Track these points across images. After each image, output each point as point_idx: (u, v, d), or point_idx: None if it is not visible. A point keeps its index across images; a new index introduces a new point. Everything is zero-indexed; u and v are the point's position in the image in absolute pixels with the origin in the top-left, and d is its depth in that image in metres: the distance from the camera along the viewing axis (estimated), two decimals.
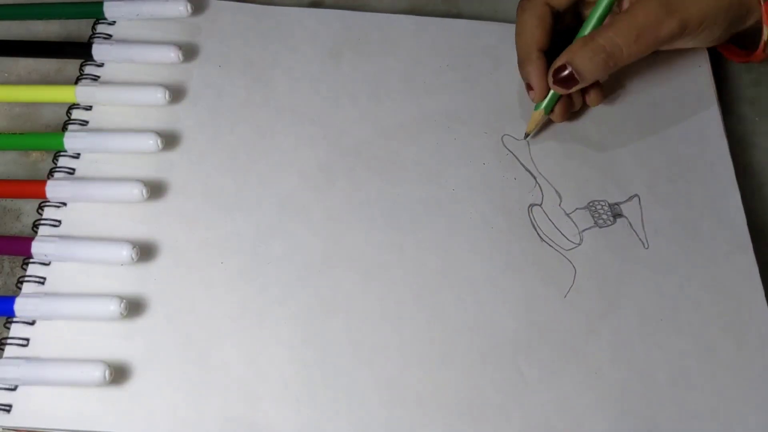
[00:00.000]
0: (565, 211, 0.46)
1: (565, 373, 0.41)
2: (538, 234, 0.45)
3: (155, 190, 0.43)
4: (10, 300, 0.39)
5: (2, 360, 0.38)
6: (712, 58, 0.52)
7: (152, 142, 0.44)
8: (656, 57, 0.49)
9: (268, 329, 0.40)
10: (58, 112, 0.46)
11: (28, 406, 0.37)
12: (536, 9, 0.46)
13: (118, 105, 0.46)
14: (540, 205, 0.46)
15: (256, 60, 0.49)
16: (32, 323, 0.39)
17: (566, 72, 0.44)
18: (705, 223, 0.46)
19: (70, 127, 0.45)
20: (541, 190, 0.46)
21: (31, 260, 0.41)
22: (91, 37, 0.49)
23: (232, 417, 0.38)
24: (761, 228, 0.47)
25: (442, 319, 0.41)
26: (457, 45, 0.51)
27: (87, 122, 0.45)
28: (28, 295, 0.40)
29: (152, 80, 0.47)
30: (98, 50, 0.47)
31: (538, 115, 0.47)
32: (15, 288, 0.41)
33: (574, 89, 0.46)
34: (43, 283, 0.40)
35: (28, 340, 0.39)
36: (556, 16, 0.46)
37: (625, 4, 0.46)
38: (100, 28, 0.49)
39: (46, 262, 0.41)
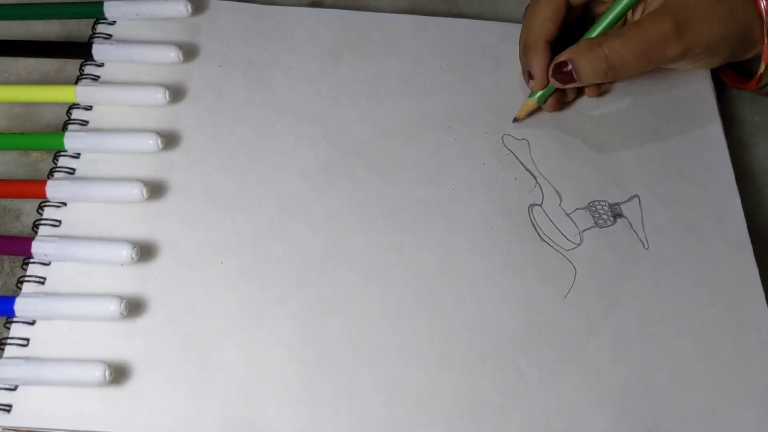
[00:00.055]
0: (565, 211, 0.46)
1: (565, 373, 0.41)
2: (538, 234, 0.45)
3: (155, 190, 0.43)
4: (10, 300, 0.39)
5: (2, 360, 0.38)
6: None
7: (152, 142, 0.44)
8: None
9: (268, 329, 0.40)
10: (58, 112, 0.46)
11: (28, 406, 0.37)
12: (552, 1, 0.46)
13: (118, 105, 0.46)
14: (540, 205, 0.46)
15: (256, 60, 0.49)
16: (32, 323, 0.39)
17: (566, 69, 0.45)
18: (705, 223, 0.46)
19: (70, 127, 0.45)
20: (542, 190, 0.46)
21: (31, 260, 0.41)
22: (91, 37, 0.49)
23: (232, 417, 0.38)
24: (761, 228, 0.47)
25: (442, 319, 0.41)
26: (457, 45, 0.51)
27: (87, 122, 0.45)
28: (28, 295, 0.40)
29: (152, 80, 0.47)
30: (98, 50, 0.47)
31: (531, 103, 0.47)
32: (15, 288, 0.41)
33: (570, 86, 0.46)
34: (43, 283, 0.40)
35: (28, 340, 0.39)
36: (569, 9, 0.46)
37: (637, 14, 0.46)
38: (100, 28, 0.49)
39: (46, 262, 0.41)
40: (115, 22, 0.49)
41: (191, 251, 0.42)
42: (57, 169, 0.44)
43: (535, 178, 0.47)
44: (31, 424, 0.37)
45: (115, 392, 0.38)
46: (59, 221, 0.42)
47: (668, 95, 0.50)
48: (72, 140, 0.44)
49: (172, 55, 0.47)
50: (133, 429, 0.37)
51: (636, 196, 0.47)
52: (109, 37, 0.49)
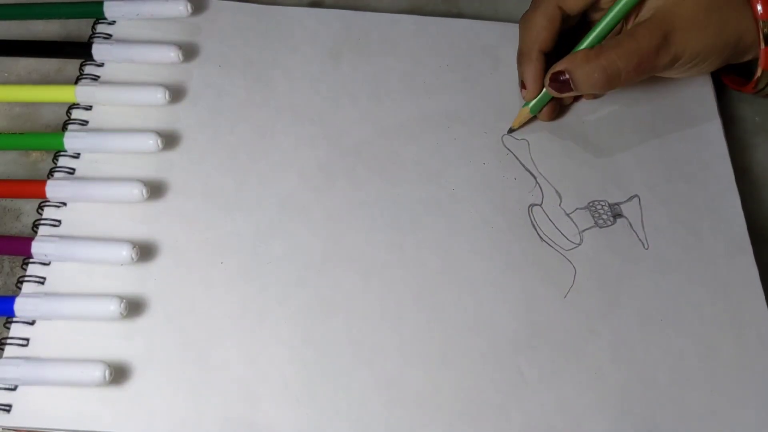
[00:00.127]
0: (565, 211, 0.46)
1: (565, 373, 0.41)
2: (538, 234, 0.45)
3: (155, 190, 0.43)
4: (10, 300, 0.39)
5: (2, 360, 0.38)
6: None
7: (152, 142, 0.44)
8: None
9: (268, 329, 0.40)
10: (58, 112, 0.46)
11: (28, 406, 0.37)
12: (548, 10, 0.46)
13: (118, 105, 0.46)
14: (540, 205, 0.46)
15: (256, 60, 0.49)
16: (32, 323, 0.39)
17: (563, 78, 0.45)
18: (705, 223, 0.46)
19: (70, 127, 0.45)
20: (541, 190, 0.46)
21: (31, 260, 0.41)
22: (91, 37, 0.49)
23: (232, 417, 0.38)
24: (761, 228, 0.47)
25: (442, 319, 0.41)
26: (457, 45, 0.51)
27: (87, 122, 0.45)
28: (28, 295, 0.40)
29: (152, 80, 0.47)
30: (98, 50, 0.47)
31: (525, 112, 0.47)
32: (15, 288, 0.41)
33: (567, 95, 0.46)
34: (43, 283, 0.40)
35: (28, 340, 0.39)
36: (565, 18, 0.46)
37: (630, 23, 0.46)
38: (100, 28, 0.49)
39: (46, 262, 0.41)
40: (115, 22, 0.49)
41: (191, 251, 0.42)
42: (57, 169, 0.44)
43: (535, 178, 0.47)
44: (31, 424, 0.37)
45: (115, 392, 0.38)
46: (59, 221, 0.42)
47: (668, 95, 0.50)
48: (72, 140, 0.44)
49: (172, 55, 0.47)
50: (133, 429, 0.37)
51: (636, 196, 0.47)
52: (109, 37, 0.49)
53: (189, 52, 0.48)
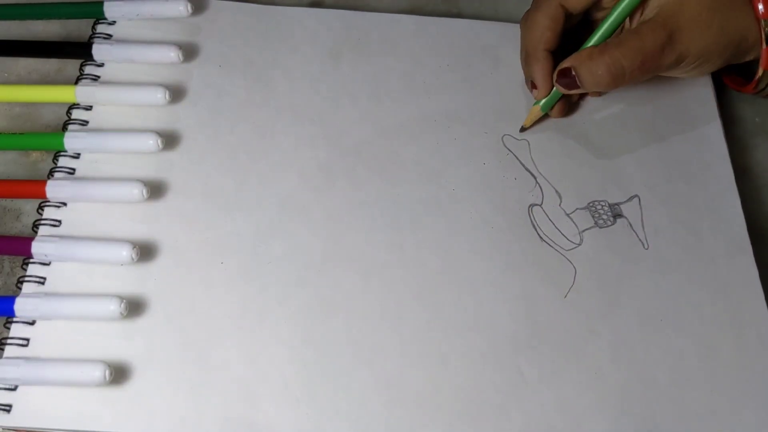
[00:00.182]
0: (565, 211, 0.46)
1: (565, 373, 0.41)
2: (538, 234, 0.45)
3: (155, 190, 0.43)
4: (10, 300, 0.39)
5: (2, 360, 0.38)
6: None
7: (152, 142, 0.44)
8: None
9: (268, 329, 0.40)
10: (58, 112, 0.46)
11: (28, 406, 0.37)
12: (550, 9, 0.46)
13: (118, 105, 0.46)
14: (540, 205, 0.46)
15: (256, 60, 0.49)
16: (32, 323, 0.39)
17: (570, 76, 0.45)
18: (705, 223, 0.46)
19: (70, 127, 0.45)
20: (541, 190, 0.46)
21: (31, 260, 0.41)
22: (91, 37, 0.49)
23: (232, 417, 0.38)
24: (761, 228, 0.47)
25: (442, 319, 0.41)
26: (457, 45, 0.51)
27: (87, 122, 0.45)
28: (28, 295, 0.40)
29: (152, 80, 0.47)
30: (98, 50, 0.47)
31: (537, 111, 0.47)
32: (15, 288, 0.41)
33: (575, 92, 0.46)
34: (43, 283, 0.40)
35: (28, 340, 0.39)
36: (567, 17, 0.46)
37: (635, 21, 0.46)
38: (100, 28, 0.49)
39: (46, 262, 0.41)
40: (115, 22, 0.49)
41: (191, 251, 0.42)
42: (57, 169, 0.44)
43: (535, 178, 0.47)
44: (31, 424, 0.37)
45: (115, 392, 0.38)
46: (59, 221, 0.42)
47: (668, 95, 0.50)
48: (72, 140, 0.44)
49: (172, 55, 0.47)
50: (133, 429, 0.37)
51: (636, 196, 0.47)
52: (109, 37, 0.49)
53: (189, 52, 0.48)
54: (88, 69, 0.47)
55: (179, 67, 0.48)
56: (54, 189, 0.42)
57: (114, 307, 0.39)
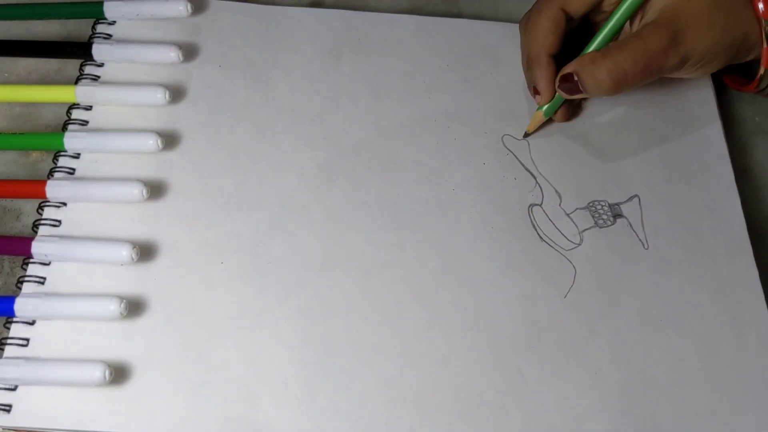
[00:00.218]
0: (565, 211, 0.46)
1: (565, 373, 0.41)
2: (538, 234, 0.45)
3: (155, 190, 0.43)
4: (10, 300, 0.39)
5: (2, 360, 0.38)
6: None
7: (152, 142, 0.44)
8: None
9: (268, 329, 0.40)
10: (58, 112, 0.46)
11: (28, 406, 0.37)
12: (552, 13, 0.46)
13: (118, 105, 0.46)
14: (540, 205, 0.46)
15: (256, 60, 0.49)
16: (32, 323, 0.39)
17: (573, 81, 0.44)
18: (705, 223, 0.46)
19: (70, 127, 0.45)
20: (541, 190, 0.46)
21: (31, 260, 0.41)
22: (91, 37, 0.49)
23: (232, 417, 0.38)
24: (761, 228, 0.47)
25: (442, 319, 0.41)
26: (457, 45, 0.51)
27: (87, 122, 0.45)
28: (28, 295, 0.40)
29: (152, 80, 0.47)
30: (98, 50, 0.47)
31: (540, 116, 0.47)
32: (15, 288, 0.41)
33: (578, 97, 0.46)
34: (43, 283, 0.40)
35: (28, 340, 0.39)
36: (568, 21, 0.46)
37: (635, 24, 0.46)
38: (100, 28, 0.49)
39: (46, 262, 0.41)
40: (115, 22, 0.49)
41: (191, 251, 0.42)
42: (57, 169, 0.44)
43: (535, 178, 0.47)
44: (31, 424, 0.37)
45: (115, 392, 0.38)
46: (59, 221, 0.42)
47: (668, 95, 0.50)
48: (72, 140, 0.44)
49: (172, 55, 0.47)
50: (133, 429, 0.37)
51: (636, 196, 0.47)
52: (109, 37, 0.49)
53: (189, 52, 0.48)
54: (88, 69, 0.47)
55: (179, 67, 0.48)
56: (54, 189, 0.42)
57: (114, 307, 0.39)
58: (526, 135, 0.48)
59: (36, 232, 0.42)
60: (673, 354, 0.42)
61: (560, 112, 0.48)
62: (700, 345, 0.42)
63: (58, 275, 0.41)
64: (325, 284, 0.42)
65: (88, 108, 0.46)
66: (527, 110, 0.49)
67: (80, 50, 0.48)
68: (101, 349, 0.39)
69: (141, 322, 0.40)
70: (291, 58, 0.49)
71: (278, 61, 0.49)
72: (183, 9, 0.49)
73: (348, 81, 0.49)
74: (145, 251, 0.41)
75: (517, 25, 0.49)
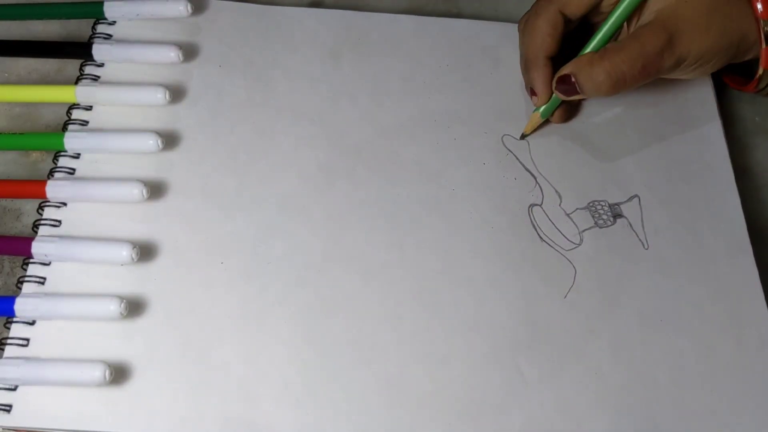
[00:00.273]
0: (565, 211, 0.46)
1: (565, 373, 0.41)
2: (538, 234, 0.45)
3: (155, 190, 0.43)
4: (10, 300, 0.39)
5: (2, 360, 0.38)
6: None
7: (152, 142, 0.44)
8: None
9: (268, 329, 0.40)
10: (58, 112, 0.46)
11: (28, 406, 0.37)
12: (550, 15, 0.45)
13: (118, 105, 0.46)
14: (540, 205, 0.46)
15: (256, 60, 0.49)
16: (32, 323, 0.39)
17: (570, 82, 0.44)
18: (705, 223, 0.46)
19: (70, 127, 0.45)
20: (541, 190, 0.46)
21: (31, 260, 0.41)
22: (91, 37, 0.49)
23: (232, 417, 0.38)
24: (761, 228, 0.47)
25: (442, 319, 0.41)
26: (457, 45, 0.51)
27: (87, 122, 0.45)
28: (28, 295, 0.40)
29: (152, 80, 0.47)
30: (98, 50, 0.47)
31: (537, 117, 0.47)
32: (15, 288, 0.41)
33: (575, 98, 0.46)
34: (43, 283, 0.40)
35: (28, 340, 0.39)
36: (566, 22, 0.46)
37: (632, 26, 0.46)
38: (100, 28, 0.49)
39: (46, 262, 0.41)
40: (115, 22, 0.49)
41: (191, 251, 0.42)
42: (57, 169, 0.44)
43: (535, 178, 0.47)
44: (31, 424, 0.37)
45: (115, 392, 0.38)
46: (59, 221, 0.42)
47: (668, 95, 0.50)
48: (72, 140, 0.44)
49: (172, 55, 0.47)
50: (133, 429, 0.37)
51: (636, 196, 0.47)
52: (109, 37, 0.49)
53: (189, 52, 0.48)
54: (88, 69, 0.47)
55: (179, 67, 0.48)
56: (54, 189, 0.42)
57: (114, 307, 0.39)
58: (523, 136, 0.48)
59: (36, 232, 0.42)
60: (673, 354, 0.42)
61: (557, 114, 0.48)
62: (699, 345, 0.42)
63: (58, 275, 0.41)
64: (325, 284, 0.42)
65: (88, 108, 0.46)
66: (527, 110, 0.49)
67: (80, 50, 0.48)
68: (101, 349, 0.39)
69: (141, 322, 0.40)
70: (291, 58, 0.49)
71: (278, 61, 0.49)
72: (183, 9, 0.49)
73: (348, 81, 0.49)
74: (145, 251, 0.41)
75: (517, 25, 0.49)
